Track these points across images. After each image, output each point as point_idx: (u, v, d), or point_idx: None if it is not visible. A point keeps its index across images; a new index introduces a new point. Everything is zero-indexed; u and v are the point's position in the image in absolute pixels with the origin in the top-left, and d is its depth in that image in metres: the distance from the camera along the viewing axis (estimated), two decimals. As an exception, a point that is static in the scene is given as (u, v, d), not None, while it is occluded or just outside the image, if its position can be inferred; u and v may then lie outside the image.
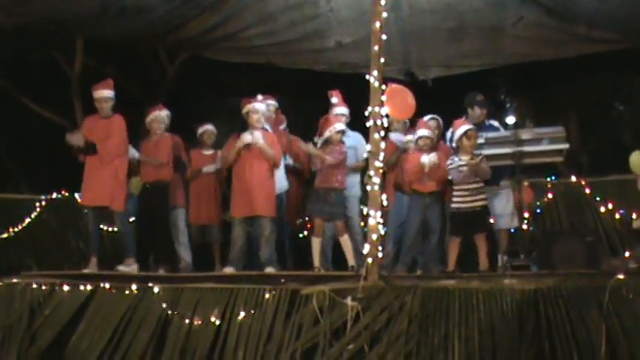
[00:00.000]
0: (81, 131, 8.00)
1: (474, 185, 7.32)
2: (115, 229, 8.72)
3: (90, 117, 8.15)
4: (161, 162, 8.18)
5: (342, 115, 8.05)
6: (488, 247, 7.46)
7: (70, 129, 11.14)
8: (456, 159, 7.43)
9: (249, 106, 7.72)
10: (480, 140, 7.37)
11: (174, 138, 8.45)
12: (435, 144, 7.78)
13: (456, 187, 7.38)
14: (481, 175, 7.33)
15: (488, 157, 7.30)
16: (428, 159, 7.47)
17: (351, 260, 7.54)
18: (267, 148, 7.60)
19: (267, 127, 8.05)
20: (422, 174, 7.52)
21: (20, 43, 10.15)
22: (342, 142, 7.75)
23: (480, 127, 7.69)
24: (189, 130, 8.87)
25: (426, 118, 8.02)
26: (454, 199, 7.39)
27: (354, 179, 8.24)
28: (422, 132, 7.72)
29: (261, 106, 7.78)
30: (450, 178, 7.44)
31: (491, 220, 7.60)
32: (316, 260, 7.60)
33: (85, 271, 7.55)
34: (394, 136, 8.15)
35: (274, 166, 7.73)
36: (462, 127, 7.50)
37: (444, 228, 7.59)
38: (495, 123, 8.10)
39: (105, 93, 8.00)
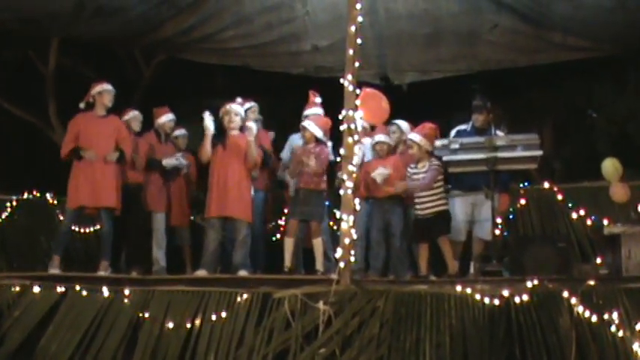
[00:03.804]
0: (71, 129, 7.87)
1: (431, 191, 7.36)
2: (88, 230, 8.65)
3: (82, 114, 7.94)
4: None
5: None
6: (456, 250, 7.49)
7: (44, 129, 11.11)
8: (412, 166, 7.47)
9: (222, 109, 7.69)
10: (455, 145, 7.35)
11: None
12: (392, 149, 7.81)
13: (415, 194, 7.42)
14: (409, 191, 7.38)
15: (463, 163, 7.28)
16: (377, 174, 7.48)
17: (319, 265, 7.53)
18: (253, 148, 7.53)
19: (254, 126, 7.84)
20: (376, 183, 7.55)
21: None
22: (325, 145, 7.74)
23: (484, 133, 7.54)
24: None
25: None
26: (415, 206, 7.43)
27: None
28: (379, 137, 7.74)
29: (236, 108, 7.72)
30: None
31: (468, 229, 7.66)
32: (287, 260, 7.57)
33: (52, 271, 7.46)
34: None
35: (254, 167, 7.66)
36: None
37: (407, 232, 7.62)
38: (500, 133, 7.77)
39: (109, 86, 7.94)
